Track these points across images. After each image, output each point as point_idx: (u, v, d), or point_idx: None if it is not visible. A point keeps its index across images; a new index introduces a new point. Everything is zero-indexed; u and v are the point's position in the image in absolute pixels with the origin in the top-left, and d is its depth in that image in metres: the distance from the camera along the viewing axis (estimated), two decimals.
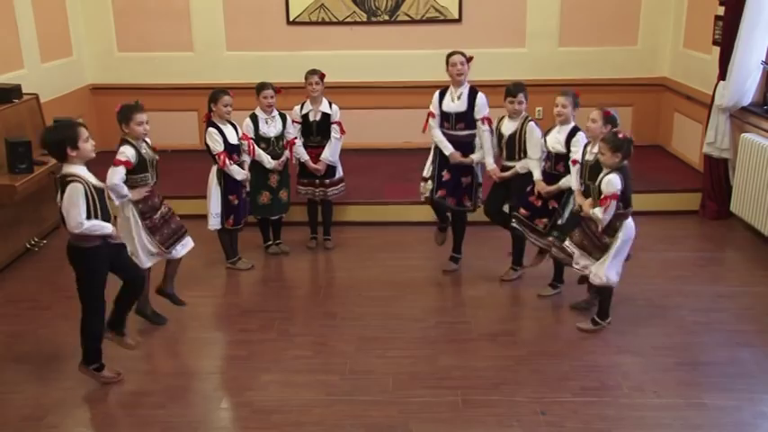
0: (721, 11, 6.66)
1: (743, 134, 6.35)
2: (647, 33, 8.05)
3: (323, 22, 8.06)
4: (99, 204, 3.99)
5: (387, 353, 4.57)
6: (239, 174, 5.53)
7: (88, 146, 3.99)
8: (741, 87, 6.32)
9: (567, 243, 4.83)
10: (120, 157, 4.55)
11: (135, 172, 4.60)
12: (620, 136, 4.51)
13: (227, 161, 5.45)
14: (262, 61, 8.03)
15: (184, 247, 4.95)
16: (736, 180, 6.47)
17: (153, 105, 7.91)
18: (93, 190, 3.96)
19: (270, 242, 6.12)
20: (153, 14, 8.08)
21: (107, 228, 4.03)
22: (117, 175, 4.51)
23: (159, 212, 4.79)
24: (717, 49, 6.68)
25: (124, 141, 4.62)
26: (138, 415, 4.01)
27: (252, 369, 4.43)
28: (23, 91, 6.30)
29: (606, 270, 4.61)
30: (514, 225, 5.27)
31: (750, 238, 6.30)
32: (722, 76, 6.47)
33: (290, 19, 8.06)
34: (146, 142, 4.70)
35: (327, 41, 8.03)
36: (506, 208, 5.44)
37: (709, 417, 3.91)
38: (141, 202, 4.68)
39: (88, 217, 3.94)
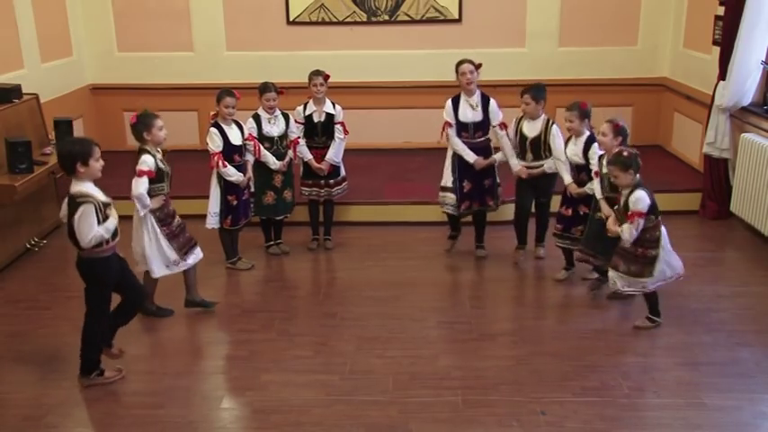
0: (721, 11, 6.66)
1: (743, 134, 6.35)
2: (647, 33, 8.05)
3: (323, 22, 8.06)
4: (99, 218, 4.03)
5: (387, 353, 4.57)
6: (234, 176, 5.51)
7: (98, 165, 4.04)
8: (741, 87, 6.32)
9: (612, 275, 4.74)
10: (142, 167, 4.62)
11: (153, 182, 4.67)
12: (626, 154, 4.52)
13: (222, 163, 5.45)
14: (262, 61, 8.03)
15: (195, 258, 4.98)
16: (736, 180, 6.47)
17: (153, 105, 7.90)
18: (102, 207, 4.02)
19: (271, 242, 6.12)
20: (153, 14, 8.08)
21: (111, 224, 4.05)
22: (142, 185, 4.58)
23: (175, 220, 4.86)
24: (717, 49, 6.68)
25: (143, 151, 4.68)
26: (138, 415, 4.01)
27: (252, 369, 4.43)
28: (23, 91, 6.30)
29: (655, 280, 4.65)
30: (559, 245, 5.42)
31: (750, 238, 6.30)
32: (722, 76, 6.47)
33: (290, 19, 8.06)
34: (158, 152, 4.78)
35: (327, 41, 8.03)
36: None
37: (709, 417, 3.91)
38: (158, 210, 4.74)
39: None
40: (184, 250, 4.88)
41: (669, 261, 4.69)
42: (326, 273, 5.95)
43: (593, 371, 4.34)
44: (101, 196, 4.06)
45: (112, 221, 4.06)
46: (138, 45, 8.16)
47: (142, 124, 4.69)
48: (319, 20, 8.05)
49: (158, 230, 4.75)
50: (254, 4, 8.03)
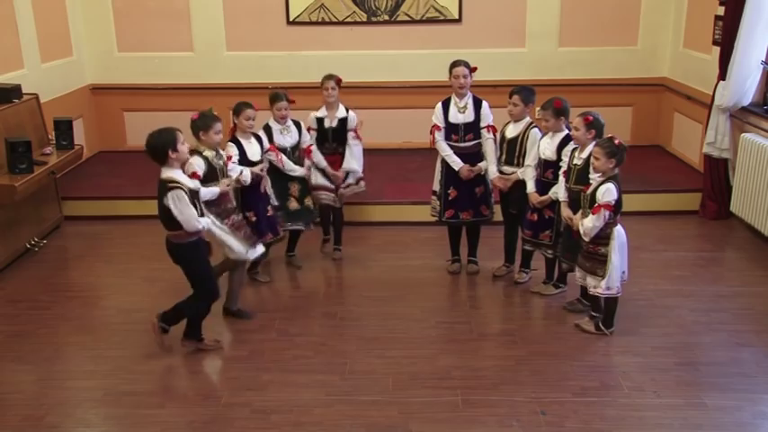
0: (721, 11, 6.66)
1: (743, 134, 6.35)
2: (647, 33, 8.06)
3: (323, 22, 8.06)
4: (197, 204, 4.36)
5: (387, 353, 4.57)
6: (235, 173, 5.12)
7: (185, 148, 4.31)
8: (741, 87, 6.32)
9: (578, 274, 4.78)
10: (187, 169, 4.56)
11: (205, 181, 4.64)
12: (617, 142, 4.46)
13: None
14: (262, 61, 8.04)
15: (255, 253, 4.97)
16: (736, 180, 6.47)
17: (153, 105, 7.98)
18: (190, 194, 4.27)
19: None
20: (153, 14, 8.08)
21: (207, 221, 4.44)
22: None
23: (235, 216, 4.88)
24: (717, 49, 6.68)
25: (194, 152, 4.67)
26: (138, 415, 4.01)
27: (252, 369, 4.43)
28: (23, 91, 6.30)
29: (611, 282, 4.58)
30: (528, 248, 5.32)
31: (750, 238, 6.30)
32: (722, 76, 6.47)
33: (290, 19, 8.06)
34: (216, 150, 4.78)
35: (327, 41, 8.04)
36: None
37: (709, 417, 3.91)
38: (215, 206, 4.71)
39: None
40: (252, 240, 4.91)
41: (619, 268, 4.61)
42: (326, 273, 5.95)
43: (593, 371, 4.34)
44: (189, 183, 4.33)
45: (207, 220, 4.42)
46: (138, 45, 8.16)
47: (202, 123, 4.70)
48: (319, 20, 8.05)
49: (218, 224, 4.71)
50: (254, 4, 8.03)
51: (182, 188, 4.21)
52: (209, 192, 4.66)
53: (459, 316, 5.07)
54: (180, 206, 4.21)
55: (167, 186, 4.21)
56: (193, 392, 4.23)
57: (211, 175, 4.71)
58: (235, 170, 5.01)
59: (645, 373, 4.31)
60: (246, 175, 5.08)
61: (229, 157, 5.01)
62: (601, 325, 4.75)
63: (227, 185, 4.84)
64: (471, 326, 4.92)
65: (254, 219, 5.26)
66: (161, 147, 4.20)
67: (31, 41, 7.02)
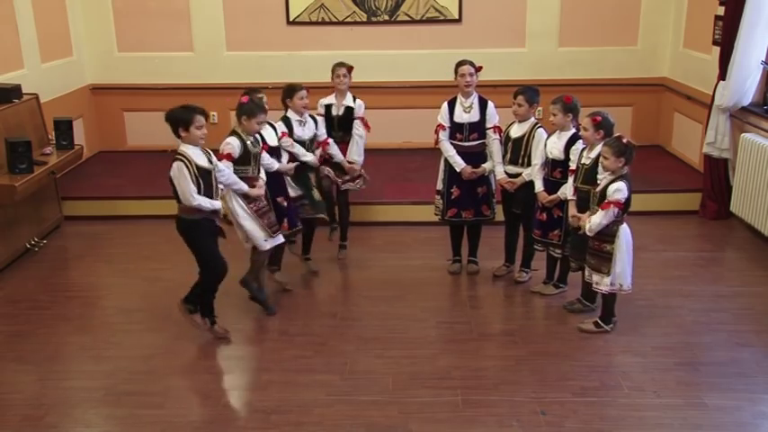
0: (721, 11, 6.67)
1: (743, 134, 6.35)
2: (647, 33, 8.06)
3: (323, 22, 8.06)
4: (203, 183, 4.38)
5: (387, 353, 4.58)
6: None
7: (198, 133, 4.37)
8: (741, 87, 6.32)
9: (586, 272, 4.78)
10: (224, 148, 4.72)
11: (237, 164, 4.75)
12: (625, 141, 4.47)
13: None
14: (262, 61, 8.04)
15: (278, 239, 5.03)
16: (736, 180, 6.47)
17: (153, 105, 7.97)
18: (196, 170, 4.33)
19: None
20: (153, 14, 8.09)
21: (216, 204, 4.47)
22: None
23: (262, 202, 4.94)
24: (717, 49, 6.68)
25: (233, 133, 4.81)
26: (138, 415, 4.01)
27: (252, 369, 4.43)
28: (23, 91, 6.30)
29: (616, 279, 4.59)
30: (537, 248, 5.32)
31: (750, 238, 6.30)
32: (722, 76, 6.47)
33: (290, 19, 8.06)
34: (253, 137, 4.86)
35: (327, 41, 8.04)
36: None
37: (709, 417, 3.91)
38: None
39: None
40: (274, 228, 4.96)
41: (627, 267, 4.63)
42: (327, 273, 5.94)
43: (593, 371, 4.34)
44: (199, 161, 4.37)
45: (217, 204, 4.47)
46: (138, 45, 8.16)
47: (248, 109, 4.77)
48: (319, 20, 8.05)
49: (245, 208, 4.83)
50: (254, 4, 8.03)
51: (184, 161, 4.29)
52: (268, 161, 5.02)
53: (459, 316, 5.07)
54: (179, 178, 4.30)
55: (174, 157, 4.34)
56: (193, 392, 4.24)
57: (244, 160, 4.79)
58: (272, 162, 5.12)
59: (645, 373, 4.31)
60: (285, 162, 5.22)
61: (265, 147, 5.06)
62: (600, 321, 4.76)
63: (289, 170, 5.12)
64: (471, 326, 4.92)
65: (284, 204, 5.25)
66: (173, 122, 4.35)
67: (31, 41, 7.02)
